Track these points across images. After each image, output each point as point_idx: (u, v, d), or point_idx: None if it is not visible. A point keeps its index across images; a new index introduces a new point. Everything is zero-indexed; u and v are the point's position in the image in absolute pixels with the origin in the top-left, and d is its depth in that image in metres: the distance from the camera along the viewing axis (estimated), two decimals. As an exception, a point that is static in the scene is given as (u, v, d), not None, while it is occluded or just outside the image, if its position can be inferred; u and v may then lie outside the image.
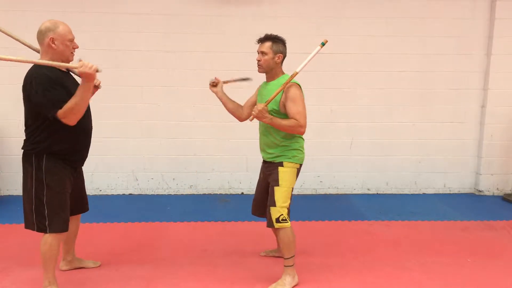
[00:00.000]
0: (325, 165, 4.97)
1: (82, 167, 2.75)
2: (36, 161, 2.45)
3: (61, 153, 2.49)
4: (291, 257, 2.75)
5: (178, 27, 4.67)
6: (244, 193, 4.99)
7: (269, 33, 2.80)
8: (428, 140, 5.01)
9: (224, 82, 3.12)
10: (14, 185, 4.77)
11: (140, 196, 4.87)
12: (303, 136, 2.85)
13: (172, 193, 4.94)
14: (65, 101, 2.34)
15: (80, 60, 2.32)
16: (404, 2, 4.76)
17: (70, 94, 2.38)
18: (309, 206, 4.37)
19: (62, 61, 2.47)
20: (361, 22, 4.76)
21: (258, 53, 2.78)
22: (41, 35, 2.42)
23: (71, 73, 2.63)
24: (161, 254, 3.24)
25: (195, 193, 4.96)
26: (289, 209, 2.77)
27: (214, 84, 3.11)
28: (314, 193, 5.01)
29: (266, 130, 2.80)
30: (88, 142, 2.67)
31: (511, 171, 5.04)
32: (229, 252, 3.30)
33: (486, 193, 5.05)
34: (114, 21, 4.61)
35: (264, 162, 2.93)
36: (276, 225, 2.70)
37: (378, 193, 5.09)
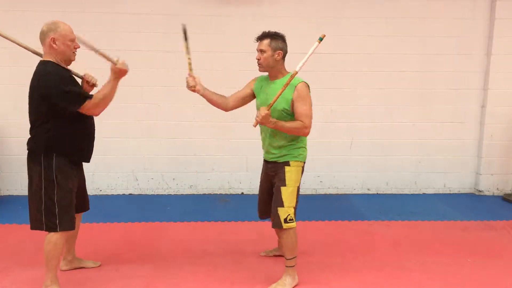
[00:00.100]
0: (325, 165, 4.97)
1: (82, 166, 2.76)
2: (46, 160, 2.47)
3: (69, 152, 2.53)
4: (293, 257, 2.74)
5: (178, 27, 4.63)
6: (244, 193, 4.99)
7: (266, 30, 2.73)
8: (428, 140, 5.01)
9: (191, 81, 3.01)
10: (14, 185, 4.78)
11: (140, 196, 4.87)
12: None
13: (172, 193, 4.94)
14: (87, 95, 2.47)
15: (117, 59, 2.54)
16: (404, 2, 4.76)
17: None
18: (309, 206, 4.36)
19: (64, 61, 2.53)
20: (361, 22, 4.76)
21: (258, 52, 2.72)
22: (42, 35, 2.46)
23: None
24: (161, 254, 3.23)
25: (195, 193, 4.96)
26: (295, 208, 2.74)
27: (193, 87, 2.97)
28: (314, 193, 5.01)
29: (274, 131, 2.71)
30: (93, 139, 2.73)
31: (511, 171, 5.04)
32: (229, 252, 3.30)
33: (486, 193, 5.05)
34: (114, 21, 4.61)
35: (267, 162, 2.86)
36: (285, 226, 2.66)
37: (378, 193, 5.09)
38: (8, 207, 4.37)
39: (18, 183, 4.78)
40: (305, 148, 2.80)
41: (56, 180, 2.48)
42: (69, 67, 2.61)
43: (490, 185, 5.05)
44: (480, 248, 3.42)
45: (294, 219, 2.70)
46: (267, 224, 3.36)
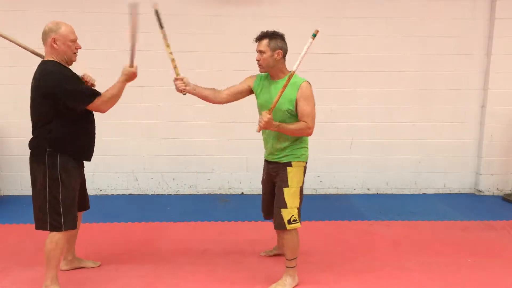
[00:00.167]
0: (325, 165, 4.97)
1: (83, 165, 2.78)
2: (50, 159, 2.48)
3: (73, 150, 2.55)
4: (294, 258, 2.74)
5: (178, 27, 4.66)
6: (244, 193, 4.99)
7: (265, 30, 2.69)
8: (428, 140, 5.01)
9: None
10: (14, 185, 4.78)
11: (140, 196, 4.87)
12: None
13: (172, 193, 4.94)
14: (96, 92, 2.52)
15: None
16: (404, 2, 4.76)
17: None
18: (309, 206, 4.32)
19: (65, 62, 2.56)
20: (361, 22, 4.76)
21: (257, 53, 2.69)
22: (44, 35, 2.50)
23: None
24: (161, 254, 3.24)
25: (195, 193, 4.96)
26: (300, 209, 2.72)
27: (183, 90, 2.85)
28: (314, 193, 5.01)
29: (277, 133, 2.67)
30: (94, 138, 2.75)
31: (511, 171, 5.04)
32: (229, 252, 3.30)
33: (486, 193, 5.05)
34: (114, 21, 4.60)
35: (268, 162, 2.83)
36: (288, 227, 2.64)
37: (378, 193, 5.09)
38: (8, 207, 4.37)
39: (18, 183, 4.78)
40: (307, 148, 2.78)
41: (61, 179, 2.49)
42: (69, 68, 2.62)
43: (490, 185, 5.05)
44: (480, 248, 3.42)
45: (298, 219, 2.68)
46: (267, 224, 3.37)
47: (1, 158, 4.74)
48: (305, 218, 3.88)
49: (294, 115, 2.64)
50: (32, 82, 2.51)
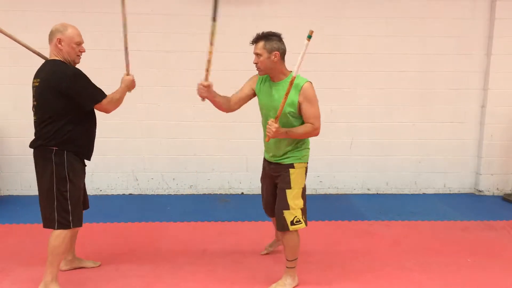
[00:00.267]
0: (325, 165, 4.97)
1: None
2: (57, 157, 2.51)
3: (79, 149, 2.60)
4: (294, 259, 2.73)
5: (178, 27, 4.67)
6: (244, 193, 4.99)
7: (261, 32, 2.62)
8: (428, 140, 5.01)
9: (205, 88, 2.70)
10: (14, 185, 4.78)
11: (140, 196, 4.87)
12: None
13: (172, 193, 4.94)
14: (104, 92, 2.58)
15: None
16: (404, 2, 4.76)
17: None
18: (309, 206, 4.31)
19: (69, 63, 2.59)
20: (361, 22, 4.76)
21: (254, 56, 2.63)
22: (51, 35, 2.56)
23: None
24: (161, 254, 3.24)
25: (195, 193, 4.96)
26: (305, 209, 2.70)
27: (205, 96, 2.72)
28: (314, 193, 5.01)
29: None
30: (95, 138, 2.79)
31: (511, 171, 5.04)
32: (229, 252, 3.30)
33: (486, 193, 5.05)
34: (114, 21, 4.59)
35: (269, 163, 2.81)
36: (291, 228, 2.62)
37: (378, 193, 5.09)
38: (8, 207, 4.37)
39: (18, 183, 4.78)
40: (309, 149, 2.77)
41: (69, 177, 2.53)
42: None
43: (490, 185, 5.04)
44: (480, 248, 3.42)
45: (302, 220, 2.66)
46: (267, 224, 3.37)
47: (1, 158, 4.74)
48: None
49: (297, 117, 2.63)
50: (37, 81, 2.54)
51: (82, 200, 2.70)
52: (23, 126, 4.57)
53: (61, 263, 2.88)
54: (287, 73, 2.66)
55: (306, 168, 2.75)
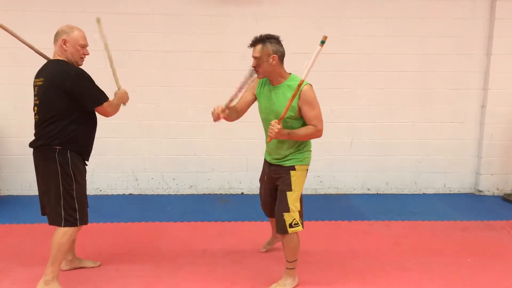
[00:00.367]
0: (325, 165, 4.97)
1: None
2: (61, 156, 2.53)
3: (81, 148, 2.63)
4: (294, 260, 2.73)
5: (178, 27, 4.67)
6: (244, 193, 4.99)
7: (258, 35, 2.59)
8: (428, 140, 5.01)
9: (227, 107, 2.67)
10: (14, 185, 4.78)
11: (140, 196, 4.87)
12: None
13: (172, 193, 4.94)
14: (106, 96, 2.62)
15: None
16: (404, 2, 4.76)
17: None
18: (309, 206, 4.32)
19: (71, 63, 2.61)
20: (361, 22, 4.76)
21: (253, 59, 2.60)
22: (56, 35, 2.59)
23: None
24: (161, 254, 3.24)
25: (195, 193, 4.96)
26: (302, 212, 2.70)
27: (219, 119, 2.67)
28: (314, 193, 5.01)
29: (283, 139, 2.64)
30: (94, 139, 2.83)
31: (511, 171, 5.04)
32: (229, 252, 3.30)
33: (486, 193, 5.05)
34: (114, 21, 4.60)
35: (270, 164, 2.80)
36: (290, 230, 2.61)
37: (378, 193, 5.09)
38: (8, 207, 4.37)
39: (18, 183, 4.78)
40: (310, 152, 2.76)
41: (74, 176, 2.56)
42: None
43: (490, 185, 5.04)
44: (480, 248, 3.42)
45: (299, 222, 2.65)
46: (267, 224, 3.37)
47: (1, 158, 4.74)
48: (305, 218, 3.87)
49: (298, 119, 2.61)
50: (40, 80, 2.55)
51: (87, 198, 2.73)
52: (23, 126, 4.57)
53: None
54: (286, 76, 2.64)
55: (307, 170, 2.75)
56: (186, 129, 4.84)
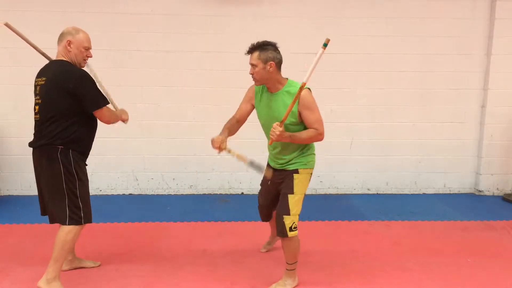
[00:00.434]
0: (325, 165, 4.97)
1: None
2: (63, 156, 2.55)
3: (82, 148, 2.65)
4: (295, 262, 2.73)
5: (178, 27, 4.67)
6: (244, 193, 4.99)
7: (255, 42, 2.58)
8: (428, 140, 5.01)
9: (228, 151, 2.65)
10: (14, 185, 4.78)
11: (140, 196, 4.87)
12: None
13: (172, 193, 4.94)
14: (107, 101, 2.65)
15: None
16: (404, 2, 4.76)
17: None
18: (309, 206, 4.33)
19: (74, 64, 2.63)
20: (361, 22, 4.76)
21: (250, 66, 2.59)
22: (61, 36, 2.62)
23: None
24: (161, 254, 3.23)
25: (195, 193, 4.96)
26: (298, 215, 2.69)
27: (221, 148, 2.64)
28: (314, 193, 5.01)
29: (286, 144, 2.64)
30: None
31: (511, 171, 5.04)
32: (229, 252, 3.30)
33: (486, 193, 5.05)
34: (114, 21, 4.61)
35: (274, 170, 2.79)
36: (289, 234, 2.60)
37: (378, 193, 5.09)
38: (8, 207, 4.37)
39: (18, 183, 4.78)
40: (315, 155, 2.77)
41: (77, 175, 2.58)
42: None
43: (490, 185, 5.04)
44: (480, 248, 3.42)
45: (297, 226, 2.64)
46: (267, 224, 3.36)
47: (1, 158, 4.74)
48: (305, 218, 3.91)
49: (299, 124, 2.61)
50: (42, 80, 2.56)
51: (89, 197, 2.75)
52: (23, 126, 4.57)
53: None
54: (284, 82, 2.63)
55: (311, 174, 2.74)
56: (186, 129, 4.84)
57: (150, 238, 3.56)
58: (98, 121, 2.76)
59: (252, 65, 2.57)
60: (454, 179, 5.11)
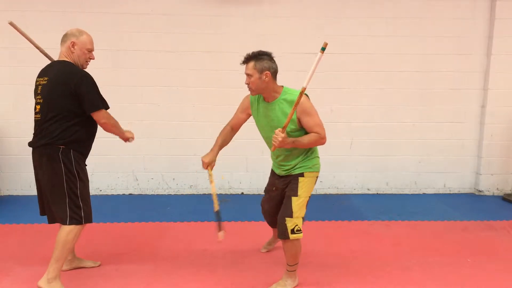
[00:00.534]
0: (325, 165, 4.92)
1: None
2: (64, 156, 2.56)
3: (83, 149, 2.67)
4: (295, 264, 2.73)
5: (178, 27, 4.67)
6: (244, 193, 4.99)
7: (251, 52, 2.58)
8: (428, 140, 5.01)
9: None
10: (14, 185, 4.78)
11: (140, 196, 4.87)
12: None
13: (172, 193, 4.94)
14: (107, 105, 2.66)
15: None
16: (404, 2, 4.76)
17: None
18: (309, 206, 4.34)
19: (77, 65, 2.65)
20: (361, 22, 4.76)
21: (245, 76, 2.59)
22: (65, 37, 2.64)
23: None
24: (161, 254, 3.23)
25: (195, 193, 4.96)
26: (303, 219, 2.68)
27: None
28: (314, 193, 4.96)
29: (288, 151, 2.65)
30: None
31: (511, 171, 5.04)
32: (229, 252, 3.29)
33: (486, 193, 5.05)
34: (114, 21, 4.61)
35: (279, 176, 2.80)
36: (291, 237, 2.59)
37: (378, 193, 5.09)
38: (8, 207, 4.37)
39: (18, 183, 4.78)
40: (319, 158, 2.77)
41: (78, 175, 2.59)
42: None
43: (490, 185, 5.05)
44: (480, 248, 3.42)
45: (301, 229, 2.63)
46: (267, 223, 3.36)
47: (1, 158, 4.74)
48: (305, 218, 3.89)
49: (300, 130, 2.61)
50: (44, 80, 2.57)
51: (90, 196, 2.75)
52: (23, 126, 4.57)
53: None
54: (280, 90, 2.64)
55: (317, 177, 2.75)
56: (186, 129, 4.84)
57: (150, 238, 3.56)
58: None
59: (248, 75, 2.58)
60: (454, 179, 5.11)
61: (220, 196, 4.91)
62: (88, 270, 2.95)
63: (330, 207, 4.52)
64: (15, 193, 4.79)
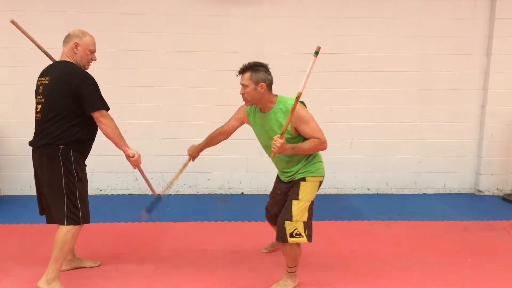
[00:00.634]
0: (325, 165, 4.91)
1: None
2: (64, 155, 2.56)
3: (83, 149, 2.67)
4: (295, 266, 2.73)
5: (178, 27, 4.67)
6: (244, 193, 4.99)
7: (247, 62, 2.60)
8: (428, 140, 5.01)
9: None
10: (14, 185, 4.78)
11: (140, 196, 4.87)
12: None
13: (172, 193, 4.94)
14: (107, 106, 2.63)
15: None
16: (404, 2, 4.76)
17: None
18: (309, 206, 4.37)
19: (79, 66, 2.65)
20: (361, 22, 4.76)
21: (241, 86, 2.60)
22: (68, 38, 2.65)
23: None
24: (161, 254, 3.23)
25: (195, 193, 4.96)
26: (310, 224, 2.65)
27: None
28: (314, 193, 5.01)
29: (288, 157, 2.66)
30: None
31: (511, 171, 5.05)
32: (229, 252, 3.29)
33: (486, 193, 5.05)
34: (114, 21, 4.61)
35: (284, 182, 2.80)
36: (290, 240, 2.57)
37: (378, 193, 5.09)
38: (8, 207, 4.37)
39: (18, 183, 4.78)
40: (322, 163, 2.76)
41: (77, 174, 2.59)
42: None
43: (490, 185, 5.05)
44: (480, 248, 3.42)
45: (303, 234, 2.59)
46: (267, 224, 3.36)
47: (1, 158, 4.74)
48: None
49: (296, 138, 2.60)
50: (46, 79, 2.57)
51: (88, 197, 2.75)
52: (23, 126, 4.57)
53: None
54: (275, 100, 2.63)
55: (321, 182, 2.74)
56: (186, 129, 4.83)
57: (150, 238, 3.56)
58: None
59: (243, 85, 2.58)
60: (454, 179, 5.11)
61: (220, 196, 4.91)
62: (88, 270, 2.95)
63: (330, 207, 4.52)
64: (15, 193, 4.79)
